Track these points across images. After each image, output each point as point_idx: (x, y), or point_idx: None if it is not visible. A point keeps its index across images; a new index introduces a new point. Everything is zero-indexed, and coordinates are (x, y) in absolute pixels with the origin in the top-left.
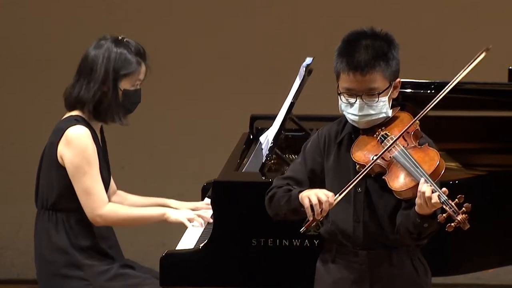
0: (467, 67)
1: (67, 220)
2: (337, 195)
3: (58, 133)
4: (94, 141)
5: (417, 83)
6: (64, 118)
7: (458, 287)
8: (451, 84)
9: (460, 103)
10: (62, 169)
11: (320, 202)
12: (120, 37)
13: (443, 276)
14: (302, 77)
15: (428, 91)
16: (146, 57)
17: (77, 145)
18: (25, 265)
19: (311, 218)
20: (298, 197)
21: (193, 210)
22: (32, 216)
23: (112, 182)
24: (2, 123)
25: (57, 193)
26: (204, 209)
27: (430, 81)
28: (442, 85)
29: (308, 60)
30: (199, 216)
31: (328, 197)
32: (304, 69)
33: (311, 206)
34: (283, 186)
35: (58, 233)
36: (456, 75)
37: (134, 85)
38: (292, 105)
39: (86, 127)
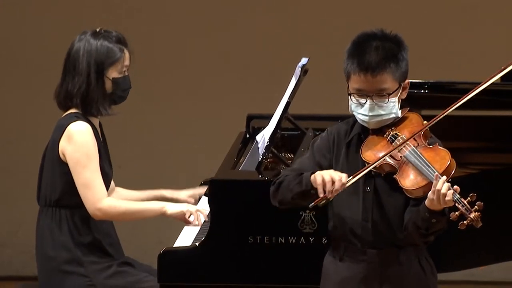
0: (496, 75)
1: (71, 216)
2: (351, 177)
3: (60, 130)
4: (95, 137)
5: (411, 83)
6: (65, 115)
7: (451, 284)
8: (471, 93)
9: (453, 102)
10: (64, 165)
11: (333, 180)
12: (98, 29)
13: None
14: (297, 77)
15: (422, 91)
16: (127, 43)
17: (77, 140)
18: (24, 263)
19: (321, 195)
20: (310, 178)
21: (190, 196)
22: (32, 215)
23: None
24: (2, 122)
25: (60, 189)
26: (201, 193)
27: (423, 81)
28: (435, 85)
29: (304, 60)
30: (197, 211)
31: (341, 177)
32: (300, 69)
33: (324, 184)
34: (293, 174)
35: (61, 230)
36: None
37: (122, 72)
38: (288, 104)
39: (87, 122)
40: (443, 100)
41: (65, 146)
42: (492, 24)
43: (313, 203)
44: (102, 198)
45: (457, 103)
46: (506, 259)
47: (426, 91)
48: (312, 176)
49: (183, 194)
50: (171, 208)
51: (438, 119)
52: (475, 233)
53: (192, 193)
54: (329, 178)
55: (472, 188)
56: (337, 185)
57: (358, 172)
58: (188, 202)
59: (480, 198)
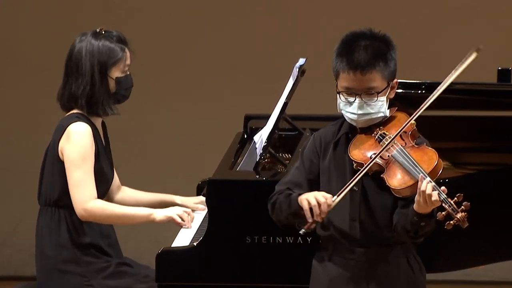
0: (458, 68)
1: (70, 217)
2: (335, 196)
3: (60, 130)
4: (95, 138)
5: (408, 83)
6: (66, 116)
7: (448, 284)
8: (442, 86)
9: (450, 103)
10: (63, 165)
11: (319, 204)
12: (98, 30)
13: (432, 273)
14: (295, 77)
15: (419, 91)
16: (127, 42)
17: (75, 140)
18: (22, 262)
19: (310, 220)
20: (297, 201)
21: (197, 203)
22: (30, 214)
23: (116, 178)
24: (2, 122)
25: (59, 189)
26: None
27: (420, 81)
28: (432, 85)
29: (301, 61)
30: (188, 213)
31: (326, 199)
32: (297, 69)
33: (310, 208)
34: (284, 191)
35: (60, 230)
36: (448, 75)
37: (124, 71)
38: (285, 105)
39: (88, 123)
40: (440, 100)
41: (63, 145)
42: (490, 24)
43: (303, 229)
44: (90, 199)
45: (434, 96)
46: (503, 259)
47: (423, 91)
48: (299, 199)
49: (191, 201)
50: (159, 215)
51: (419, 113)
52: (472, 233)
53: (200, 201)
54: (315, 202)
55: (468, 188)
56: (323, 207)
57: (342, 190)
58: (193, 209)
59: (477, 198)
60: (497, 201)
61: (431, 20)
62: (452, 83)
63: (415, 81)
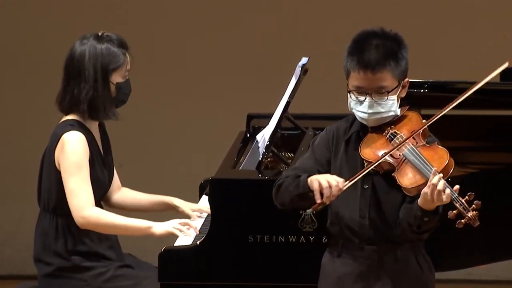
0: (485, 80)
1: (67, 225)
2: (347, 181)
3: (55, 139)
4: (90, 145)
5: (411, 83)
6: (60, 123)
7: (450, 283)
8: (466, 92)
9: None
10: (59, 173)
11: (330, 186)
12: (100, 33)
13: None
14: (297, 76)
15: (422, 90)
16: (128, 46)
17: (69, 149)
18: (23, 261)
19: (319, 201)
20: (307, 181)
21: (195, 210)
22: (31, 213)
23: (116, 179)
24: (2, 122)
25: (56, 197)
26: (205, 212)
27: (423, 80)
28: (434, 84)
29: (304, 60)
30: (185, 224)
31: (338, 182)
32: (300, 68)
33: (321, 189)
34: (292, 175)
35: (57, 238)
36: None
37: (124, 76)
38: (288, 104)
39: (81, 131)
40: (443, 99)
41: (58, 155)
42: (490, 24)
43: (311, 208)
44: (87, 207)
45: (455, 102)
46: (505, 258)
47: (426, 90)
48: (309, 180)
49: (189, 206)
50: (158, 229)
51: (437, 118)
52: (473, 232)
53: (199, 209)
54: (326, 184)
55: (470, 187)
56: (334, 190)
57: (355, 176)
58: (189, 216)
59: (478, 197)
60: (499, 200)
61: (431, 20)
62: (454, 82)
63: (417, 80)
